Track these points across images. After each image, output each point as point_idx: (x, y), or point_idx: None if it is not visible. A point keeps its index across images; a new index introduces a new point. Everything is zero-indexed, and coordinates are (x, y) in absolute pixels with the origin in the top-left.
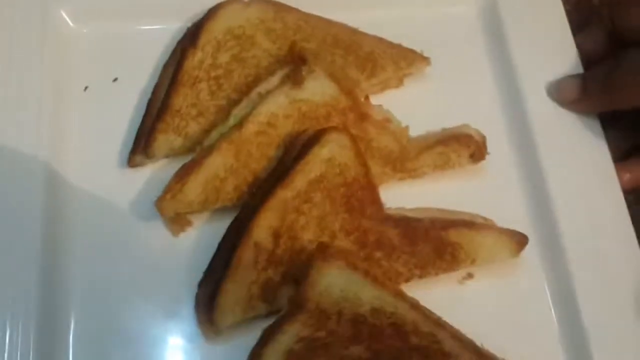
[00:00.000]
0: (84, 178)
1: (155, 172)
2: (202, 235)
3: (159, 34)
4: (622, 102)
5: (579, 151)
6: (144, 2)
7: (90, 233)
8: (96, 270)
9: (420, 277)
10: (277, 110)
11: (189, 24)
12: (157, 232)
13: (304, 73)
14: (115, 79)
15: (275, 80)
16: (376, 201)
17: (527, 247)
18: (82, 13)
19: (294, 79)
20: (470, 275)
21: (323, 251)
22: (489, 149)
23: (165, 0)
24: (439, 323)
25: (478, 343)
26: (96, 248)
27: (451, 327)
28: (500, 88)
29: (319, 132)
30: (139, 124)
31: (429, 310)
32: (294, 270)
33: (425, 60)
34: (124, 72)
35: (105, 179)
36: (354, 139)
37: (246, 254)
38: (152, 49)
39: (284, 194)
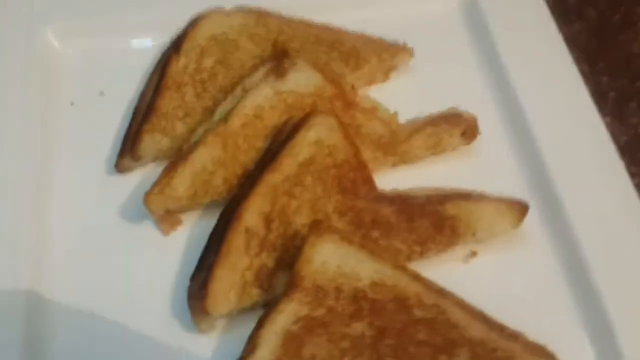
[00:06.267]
0: (73, 185)
1: (144, 176)
2: (193, 234)
3: (144, 48)
4: None
5: (570, 120)
6: (128, 20)
7: (82, 237)
8: (88, 272)
9: (422, 254)
10: (263, 102)
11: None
12: (148, 233)
13: (286, 65)
14: (102, 93)
15: (259, 75)
16: (368, 181)
17: (530, 221)
18: (67, 32)
19: (277, 71)
20: (474, 253)
21: (317, 227)
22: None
23: (148, 17)
24: (443, 293)
25: None
26: (88, 251)
27: (456, 297)
28: (485, 73)
29: (306, 116)
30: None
31: (431, 281)
32: (289, 255)
33: (408, 51)
34: (109, 86)
35: (94, 185)
36: (340, 121)
37: (237, 239)
38: (137, 62)
39: (273, 178)
